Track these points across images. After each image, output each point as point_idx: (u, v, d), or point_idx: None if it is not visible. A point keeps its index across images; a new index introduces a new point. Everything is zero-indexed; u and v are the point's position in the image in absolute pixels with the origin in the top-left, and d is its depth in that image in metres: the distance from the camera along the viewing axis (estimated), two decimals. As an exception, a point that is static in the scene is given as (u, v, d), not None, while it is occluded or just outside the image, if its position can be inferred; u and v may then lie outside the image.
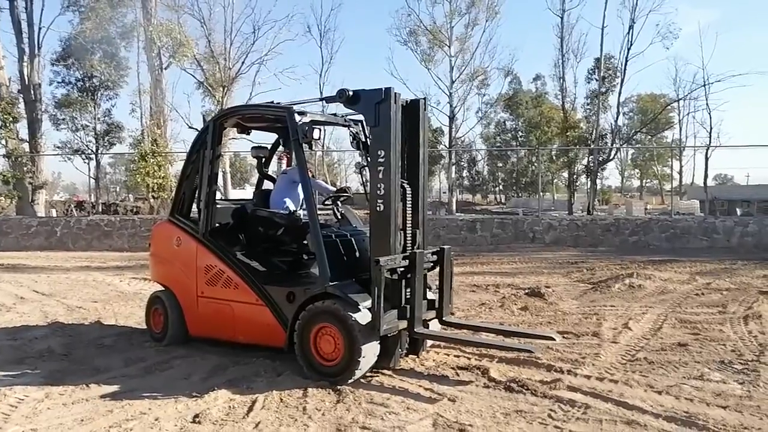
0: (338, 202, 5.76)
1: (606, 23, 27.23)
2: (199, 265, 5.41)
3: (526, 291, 8.31)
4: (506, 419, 3.71)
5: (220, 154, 5.81)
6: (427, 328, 5.01)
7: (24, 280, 10.19)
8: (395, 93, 4.59)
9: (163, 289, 5.82)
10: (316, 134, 4.95)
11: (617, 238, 15.43)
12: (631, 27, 26.50)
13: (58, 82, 25.68)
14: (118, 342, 5.76)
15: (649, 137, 38.81)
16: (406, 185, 4.82)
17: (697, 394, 4.06)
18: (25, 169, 21.88)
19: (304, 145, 5.01)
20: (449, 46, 32.62)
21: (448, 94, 32.78)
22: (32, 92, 23.17)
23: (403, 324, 4.64)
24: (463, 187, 60.21)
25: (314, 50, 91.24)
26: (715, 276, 9.79)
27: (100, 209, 23.39)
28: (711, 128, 31.72)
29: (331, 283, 4.57)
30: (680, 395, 4.03)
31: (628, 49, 26.60)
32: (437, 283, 5.15)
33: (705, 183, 26.83)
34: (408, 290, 4.70)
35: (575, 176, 32.10)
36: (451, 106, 33.03)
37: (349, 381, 4.39)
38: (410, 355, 5.09)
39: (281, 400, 4.04)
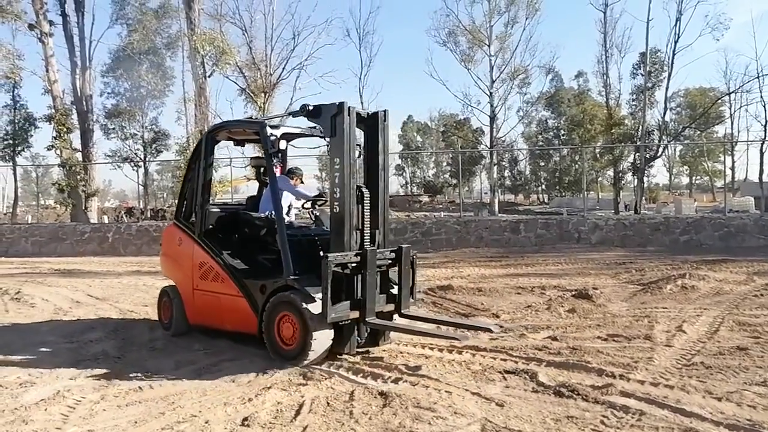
0: (315, 206, 6.25)
1: (651, 16, 26.50)
2: (194, 262, 6.07)
3: (573, 293, 8.13)
4: (557, 425, 3.61)
5: (212, 163, 6.54)
6: (390, 320, 5.46)
7: (79, 284, 10.57)
8: (349, 107, 5.11)
9: (172, 284, 6.50)
10: (282, 145, 5.57)
11: (667, 238, 14.96)
12: (678, 19, 25.77)
13: (108, 93, 26.72)
14: (168, 345, 5.90)
15: (699, 132, 37.55)
16: (364, 189, 5.27)
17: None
18: (78, 177, 22.76)
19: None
20: (489, 46, 32.35)
21: (489, 93, 32.48)
22: (84, 103, 24.11)
23: (355, 314, 5.06)
24: (505, 187, 59.58)
25: (353, 54, 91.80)
26: (774, 276, 9.36)
27: (149, 215, 24.10)
28: (766, 121, 30.47)
29: (291, 277, 5.08)
30: (742, 402, 3.85)
31: (675, 42, 25.87)
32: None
33: (760, 178, 25.80)
34: (362, 284, 5.11)
35: (621, 174, 31.28)
36: (491, 105, 32.71)
37: (305, 363, 4.89)
38: (372, 346, 5.49)
39: (328, 403, 4.05)
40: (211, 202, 6.52)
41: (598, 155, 37.70)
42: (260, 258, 5.82)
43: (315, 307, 4.85)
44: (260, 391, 4.32)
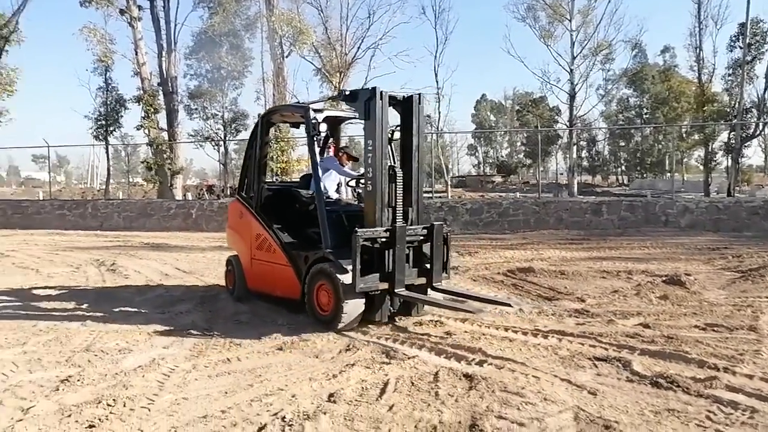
0: (359, 184, 6.39)
1: (753, -17, 24.40)
2: (252, 234, 6.64)
3: (664, 278, 7.70)
4: (657, 418, 3.40)
5: (268, 143, 7.16)
6: (424, 292, 5.74)
7: (167, 258, 11.08)
8: (381, 91, 5.41)
9: (235, 254, 7.11)
10: (322, 128, 5.95)
11: (767, 223, 13.90)
12: (784, -15, 23.57)
13: (191, 75, 27.64)
14: (252, 319, 6.03)
15: (802, 109, 34.55)
16: (397, 169, 5.58)
17: None
18: (164, 156, 23.81)
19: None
20: (570, 20, 31.01)
21: (569, 70, 31.20)
22: (170, 85, 25.09)
23: (384, 285, 5.40)
24: (582, 168, 57.56)
25: (429, 32, 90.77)
26: None
27: (228, 192, 24.93)
28: None
29: (328, 250, 5.53)
30: None
31: (780, 11, 23.71)
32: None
33: None
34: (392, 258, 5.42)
35: (712, 155, 29.35)
36: (572, 83, 31.42)
37: (338, 327, 5.31)
38: (405, 315, 5.83)
39: (412, 383, 4.00)
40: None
41: (683, 135, 35.56)
42: (306, 231, 6.21)
43: (346, 278, 5.24)
44: (344, 367, 4.34)
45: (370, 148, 5.42)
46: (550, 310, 6.17)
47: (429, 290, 5.80)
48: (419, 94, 5.76)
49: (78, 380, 4.11)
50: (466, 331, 5.37)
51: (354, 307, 5.33)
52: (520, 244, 12.61)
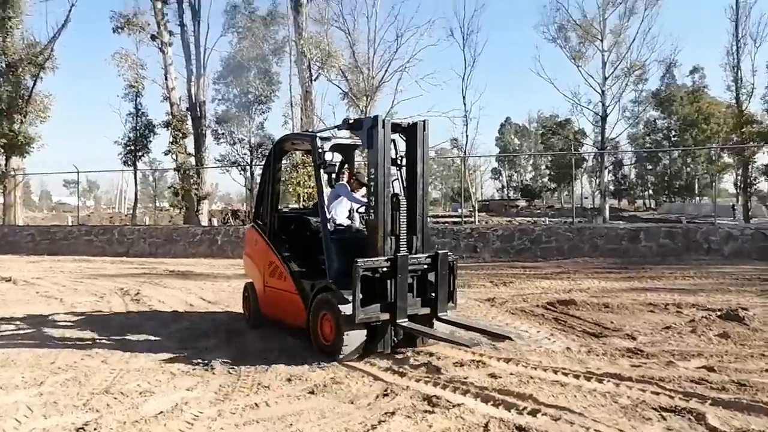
0: (369, 211, 6.17)
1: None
2: (265, 261, 6.69)
3: (719, 313, 7.14)
4: (748, 488, 2.93)
5: (280, 168, 7.32)
6: (429, 323, 5.61)
7: (192, 287, 10.83)
8: (383, 120, 5.44)
9: (251, 281, 7.15)
10: (328, 156, 5.95)
11: (818, 250, 13.18)
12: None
13: (219, 99, 27.88)
14: (281, 357, 5.63)
15: None
16: (400, 197, 5.56)
17: None
18: (191, 181, 23.86)
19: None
20: (601, 41, 30.61)
21: (600, 92, 30.68)
22: (198, 109, 25.27)
23: (386, 316, 5.29)
24: (608, 191, 56.64)
25: (456, 54, 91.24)
26: None
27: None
28: None
29: (330, 279, 5.53)
30: None
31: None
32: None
33: None
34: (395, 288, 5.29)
35: (752, 178, 28.40)
36: (603, 104, 30.87)
37: (339, 357, 5.25)
38: (408, 346, 5.69)
39: (460, 438, 3.59)
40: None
41: (713, 157, 34.64)
42: (315, 259, 6.14)
43: (347, 308, 5.15)
44: (383, 416, 3.94)
45: (372, 176, 5.41)
46: (600, 349, 5.70)
47: (435, 321, 5.69)
48: (424, 122, 5.76)
49: (94, 429, 3.79)
50: (512, 373, 4.93)
51: (355, 338, 5.30)
52: (555, 273, 12.10)
